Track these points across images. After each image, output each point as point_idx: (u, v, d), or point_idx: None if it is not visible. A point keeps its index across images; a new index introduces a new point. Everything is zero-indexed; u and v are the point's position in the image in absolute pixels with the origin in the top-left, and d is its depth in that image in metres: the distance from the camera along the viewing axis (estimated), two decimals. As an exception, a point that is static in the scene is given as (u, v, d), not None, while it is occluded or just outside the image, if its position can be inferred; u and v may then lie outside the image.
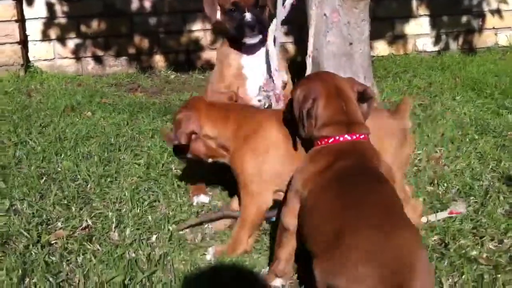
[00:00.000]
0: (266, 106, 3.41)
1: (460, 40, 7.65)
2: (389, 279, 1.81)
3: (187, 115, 2.87)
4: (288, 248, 2.44)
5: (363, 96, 2.46)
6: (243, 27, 3.36)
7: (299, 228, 2.31)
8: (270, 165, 2.69)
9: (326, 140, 2.33)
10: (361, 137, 2.33)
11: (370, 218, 1.98)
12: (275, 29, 3.43)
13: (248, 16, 3.35)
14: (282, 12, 3.44)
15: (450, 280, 2.52)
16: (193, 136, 2.86)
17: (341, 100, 2.38)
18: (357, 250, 1.88)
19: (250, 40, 3.40)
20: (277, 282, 2.50)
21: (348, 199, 2.08)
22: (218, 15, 3.54)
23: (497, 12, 7.64)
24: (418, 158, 3.89)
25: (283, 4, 3.45)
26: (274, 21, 3.47)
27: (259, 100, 3.43)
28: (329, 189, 2.17)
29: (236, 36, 3.43)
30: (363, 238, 1.91)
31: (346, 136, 2.31)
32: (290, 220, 2.36)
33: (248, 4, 3.37)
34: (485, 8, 7.62)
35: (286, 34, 7.12)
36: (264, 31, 3.44)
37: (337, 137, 2.32)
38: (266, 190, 2.72)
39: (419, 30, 7.52)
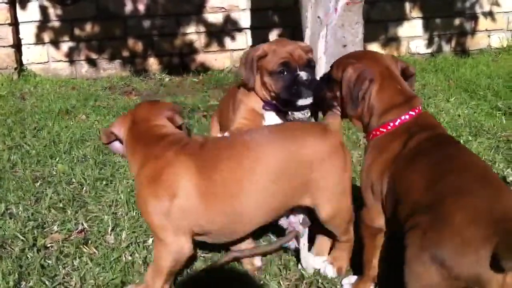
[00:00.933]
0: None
1: (453, 42, 7.69)
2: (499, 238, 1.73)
3: (119, 117, 2.68)
4: (378, 251, 2.39)
5: (405, 73, 2.49)
6: (298, 88, 2.80)
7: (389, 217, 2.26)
8: (181, 209, 2.29)
9: (391, 124, 2.33)
10: (420, 108, 2.36)
11: (470, 180, 1.95)
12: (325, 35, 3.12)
13: (303, 75, 2.81)
14: (333, 16, 3.13)
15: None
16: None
17: (394, 80, 2.41)
18: (463, 212, 1.83)
19: (304, 102, 2.81)
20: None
21: (441, 166, 2.06)
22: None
23: (490, 14, 7.69)
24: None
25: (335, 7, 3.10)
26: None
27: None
28: (416, 164, 2.14)
29: (287, 99, 2.84)
30: (468, 200, 1.87)
31: (410, 112, 2.33)
32: (379, 220, 2.32)
33: (300, 63, 2.86)
34: (478, 10, 7.66)
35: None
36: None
37: (402, 118, 2.32)
38: (181, 236, 2.31)
39: (413, 32, 7.55)
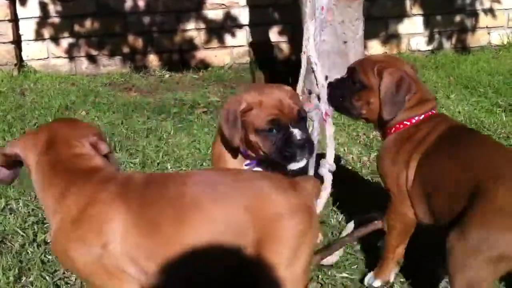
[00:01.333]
0: (312, 128, 2.87)
1: (454, 39, 7.68)
2: None
3: (25, 136, 2.25)
4: (407, 240, 2.49)
5: None
6: (292, 149, 2.40)
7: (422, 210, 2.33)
8: (116, 254, 1.92)
9: (416, 118, 2.45)
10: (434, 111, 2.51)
11: (503, 163, 2.08)
12: (314, 41, 2.88)
13: (297, 133, 2.40)
14: (322, 20, 2.91)
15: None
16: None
17: (417, 81, 2.53)
18: (509, 194, 1.92)
19: (298, 165, 2.45)
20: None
21: (471, 152, 2.20)
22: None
23: (490, 11, 7.68)
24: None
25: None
26: (311, 30, 2.93)
27: None
28: (442, 152, 2.28)
29: (278, 161, 2.46)
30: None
31: (432, 110, 2.49)
32: (409, 211, 2.38)
33: (291, 117, 2.42)
34: (478, 7, 7.65)
35: (280, 33, 7.14)
36: (313, 151, 2.58)
37: (425, 113, 2.46)
38: (124, 283, 1.98)
39: (413, 29, 7.54)
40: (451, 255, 1.96)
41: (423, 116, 2.44)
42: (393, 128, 2.48)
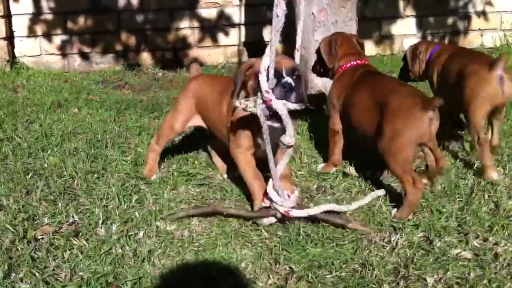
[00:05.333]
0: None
1: (446, 41, 7.71)
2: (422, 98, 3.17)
3: None
4: (339, 145, 3.69)
5: (359, 43, 3.91)
6: (283, 91, 2.86)
7: (349, 123, 3.56)
8: None
9: (344, 66, 3.73)
10: (364, 62, 3.76)
11: (397, 85, 3.40)
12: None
13: (288, 79, 2.89)
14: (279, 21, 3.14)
15: (435, 276, 2.54)
16: None
17: (350, 43, 3.85)
18: (403, 94, 3.20)
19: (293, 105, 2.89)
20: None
21: (375, 85, 3.44)
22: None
23: (483, 13, 7.72)
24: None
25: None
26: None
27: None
28: (361, 86, 3.50)
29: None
30: (402, 90, 3.26)
31: (357, 61, 3.73)
32: (336, 125, 3.68)
33: (286, 67, 2.94)
34: (471, 9, 7.69)
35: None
36: (303, 103, 2.97)
37: (352, 62, 3.72)
38: None
39: (406, 31, 7.58)
40: (383, 151, 3.17)
41: (349, 64, 3.71)
42: (335, 74, 3.79)
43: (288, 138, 2.84)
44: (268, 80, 2.81)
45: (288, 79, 2.89)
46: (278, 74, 2.87)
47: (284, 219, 2.99)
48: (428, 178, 3.38)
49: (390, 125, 3.11)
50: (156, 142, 3.62)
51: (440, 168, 3.27)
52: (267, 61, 2.82)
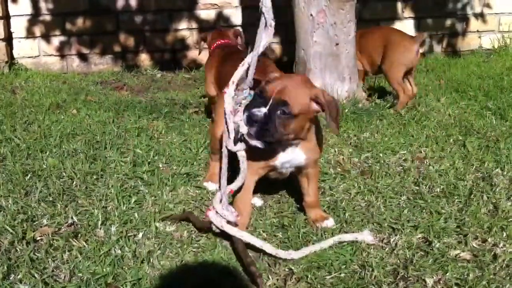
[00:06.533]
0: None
1: (444, 42, 7.73)
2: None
3: None
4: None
5: (236, 34, 4.79)
6: (250, 119, 2.60)
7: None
8: None
9: (213, 45, 4.63)
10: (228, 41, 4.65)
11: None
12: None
13: (260, 113, 2.58)
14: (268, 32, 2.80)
15: (434, 277, 2.55)
16: None
17: (222, 33, 4.75)
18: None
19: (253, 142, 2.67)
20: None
21: (228, 61, 4.02)
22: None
23: (481, 15, 7.74)
24: (403, 158, 3.93)
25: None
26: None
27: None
28: (222, 61, 4.21)
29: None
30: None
31: (222, 41, 4.62)
32: (213, 92, 4.35)
33: (275, 99, 2.60)
34: (469, 11, 7.71)
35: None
36: (266, 145, 2.69)
37: (219, 42, 4.62)
38: None
39: (404, 32, 7.58)
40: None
41: (215, 44, 4.61)
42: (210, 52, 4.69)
43: (231, 143, 2.72)
44: (244, 89, 2.64)
45: (260, 113, 2.57)
46: (260, 101, 2.60)
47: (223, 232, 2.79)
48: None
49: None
50: None
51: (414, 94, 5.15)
52: (240, 73, 2.62)
